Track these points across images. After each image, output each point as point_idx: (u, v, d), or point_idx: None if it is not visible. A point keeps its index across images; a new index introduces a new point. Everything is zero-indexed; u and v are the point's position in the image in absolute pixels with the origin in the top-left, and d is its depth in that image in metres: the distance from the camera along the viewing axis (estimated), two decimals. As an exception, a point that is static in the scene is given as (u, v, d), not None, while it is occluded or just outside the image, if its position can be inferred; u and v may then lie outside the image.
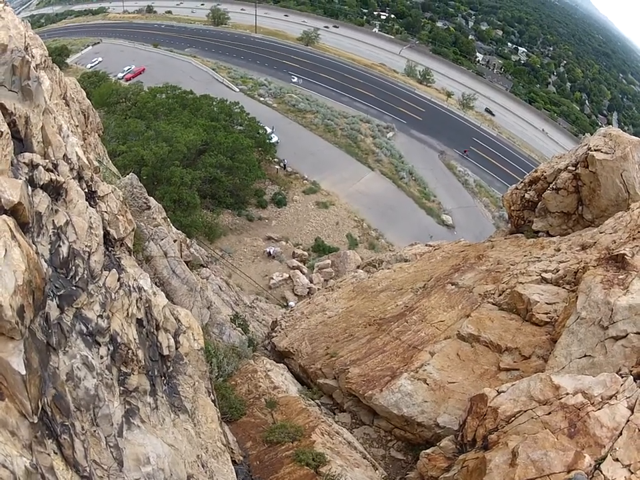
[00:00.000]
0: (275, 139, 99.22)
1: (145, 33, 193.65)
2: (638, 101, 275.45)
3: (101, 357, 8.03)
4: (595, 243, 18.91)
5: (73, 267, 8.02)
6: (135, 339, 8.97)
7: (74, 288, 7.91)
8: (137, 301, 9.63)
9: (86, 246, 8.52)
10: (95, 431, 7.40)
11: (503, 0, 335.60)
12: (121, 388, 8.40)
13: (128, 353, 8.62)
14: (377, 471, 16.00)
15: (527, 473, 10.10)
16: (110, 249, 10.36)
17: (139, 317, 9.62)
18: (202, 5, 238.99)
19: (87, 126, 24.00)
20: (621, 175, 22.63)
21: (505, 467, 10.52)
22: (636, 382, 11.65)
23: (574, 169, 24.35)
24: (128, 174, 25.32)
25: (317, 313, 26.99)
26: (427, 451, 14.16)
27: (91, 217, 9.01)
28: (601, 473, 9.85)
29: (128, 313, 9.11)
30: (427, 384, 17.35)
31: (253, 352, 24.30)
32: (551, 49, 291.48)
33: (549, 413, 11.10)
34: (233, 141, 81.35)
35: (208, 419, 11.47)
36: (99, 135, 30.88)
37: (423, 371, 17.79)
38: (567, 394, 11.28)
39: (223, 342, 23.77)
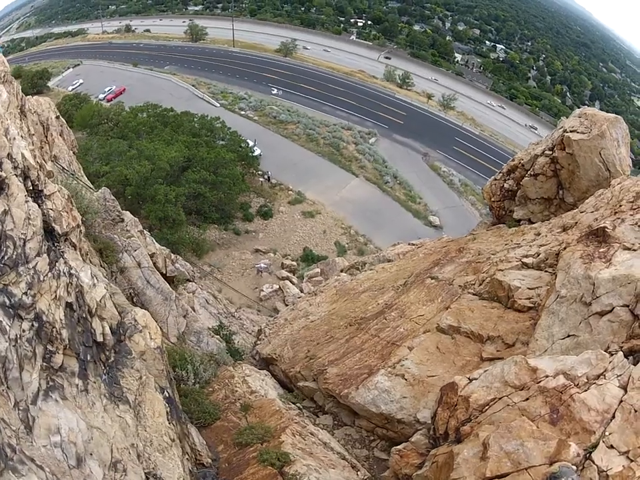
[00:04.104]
0: (257, 151, 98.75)
1: (125, 52, 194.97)
2: (620, 88, 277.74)
3: (23, 330, 8.50)
4: (576, 223, 18.20)
5: (4, 248, 8.83)
6: (60, 319, 9.43)
7: (1, 265, 8.72)
8: (67, 285, 10.14)
9: (22, 233, 9.33)
10: (3, 390, 7.78)
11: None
12: (44, 364, 8.81)
13: (52, 332, 9.10)
14: (358, 472, 15.45)
15: (501, 467, 9.02)
16: (55, 243, 11.04)
17: (69, 301, 10.05)
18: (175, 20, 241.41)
19: (45, 136, 24.28)
20: (600, 154, 22.14)
21: (475, 461, 9.51)
22: (628, 358, 10.61)
23: (551, 152, 23.86)
24: (112, 193, 25.92)
25: (300, 319, 26.52)
26: (399, 447, 13.26)
27: (29, 210, 9.80)
28: (593, 463, 8.62)
29: (56, 295, 9.63)
30: (405, 379, 16.68)
31: (236, 360, 24.01)
32: (529, 43, 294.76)
33: (527, 399, 10.11)
34: (215, 155, 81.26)
35: (155, 413, 11.82)
36: (73, 153, 31.34)
37: (400, 366, 17.13)
38: (547, 376, 10.26)
39: (200, 349, 23.78)
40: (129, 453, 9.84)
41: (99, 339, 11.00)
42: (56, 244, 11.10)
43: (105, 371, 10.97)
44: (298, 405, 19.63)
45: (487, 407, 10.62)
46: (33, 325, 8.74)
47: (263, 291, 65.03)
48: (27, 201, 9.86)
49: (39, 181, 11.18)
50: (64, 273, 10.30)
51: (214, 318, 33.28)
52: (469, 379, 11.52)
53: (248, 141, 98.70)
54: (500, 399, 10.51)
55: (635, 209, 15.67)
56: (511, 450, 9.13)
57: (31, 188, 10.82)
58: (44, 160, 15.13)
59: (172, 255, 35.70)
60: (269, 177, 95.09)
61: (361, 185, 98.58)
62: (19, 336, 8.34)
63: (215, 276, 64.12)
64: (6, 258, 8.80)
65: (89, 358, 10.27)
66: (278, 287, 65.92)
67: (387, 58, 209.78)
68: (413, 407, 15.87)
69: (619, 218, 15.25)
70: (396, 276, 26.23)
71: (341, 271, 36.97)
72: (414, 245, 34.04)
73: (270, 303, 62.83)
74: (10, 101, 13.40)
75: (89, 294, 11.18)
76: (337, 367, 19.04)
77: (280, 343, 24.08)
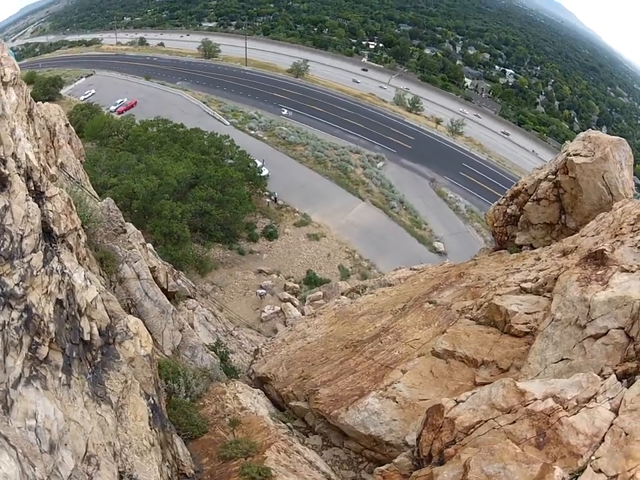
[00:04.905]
0: (265, 172, 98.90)
1: (137, 65, 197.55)
2: (627, 113, 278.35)
3: (12, 319, 8.89)
4: (577, 247, 17.88)
5: (1, 240, 9.30)
6: (49, 314, 9.85)
7: (-4, 255, 9.33)
8: (58, 282, 10.63)
9: (20, 229, 9.82)
10: None
11: (489, 23, 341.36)
12: (30, 354, 9.18)
13: (40, 324, 9.50)
14: (342, 493, 15.28)
15: (480, 491, 8.67)
16: (52, 244, 11.68)
17: (59, 298, 10.53)
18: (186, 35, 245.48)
19: (52, 141, 25.15)
20: (603, 177, 21.83)
21: None
22: (621, 382, 10.16)
23: (554, 177, 23.55)
24: (118, 205, 26.33)
25: (297, 340, 26.39)
26: (382, 467, 12.91)
27: (29, 208, 10.29)
28: (579, 487, 8.25)
29: (47, 291, 10.08)
30: (396, 402, 16.40)
31: (231, 378, 24.04)
32: (538, 68, 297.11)
33: (514, 422, 9.78)
34: (222, 174, 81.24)
35: (137, 417, 12.28)
36: (81, 162, 31.88)
37: (392, 389, 16.86)
38: (535, 399, 9.94)
39: (194, 364, 23.78)
40: (105, 450, 10.15)
41: (86, 337, 11.38)
42: (53, 244, 11.70)
43: (90, 370, 11.36)
44: (289, 424, 19.42)
45: (472, 430, 10.29)
46: (22, 316, 9.12)
47: (264, 312, 64.96)
48: (27, 200, 10.35)
49: (41, 182, 11.81)
50: (57, 271, 10.75)
51: (212, 335, 33.35)
52: (455, 401, 11.21)
53: (256, 160, 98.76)
54: (486, 421, 10.20)
55: (636, 230, 15.39)
56: (492, 473, 8.77)
57: (33, 188, 11.40)
58: (48, 164, 15.55)
59: (174, 270, 35.88)
60: (275, 198, 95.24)
61: (367, 209, 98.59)
62: (7, 323, 8.71)
63: (216, 295, 63.97)
64: (2, 250, 9.24)
65: (74, 355, 10.67)
66: (279, 308, 65.84)
67: (364, 70, 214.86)
68: (402, 429, 15.57)
69: (618, 240, 14.96)
70: (395, 300, 25.98)
71: (342, 294, 36.83)
72: (415, 269, 33.82)
73: (271, 324, 62.66)
74: (19, 104, 13.75)
75: (80, 294, 11.55)
76: (329, 387, 18.84)
77: (275, 363, 23.94)
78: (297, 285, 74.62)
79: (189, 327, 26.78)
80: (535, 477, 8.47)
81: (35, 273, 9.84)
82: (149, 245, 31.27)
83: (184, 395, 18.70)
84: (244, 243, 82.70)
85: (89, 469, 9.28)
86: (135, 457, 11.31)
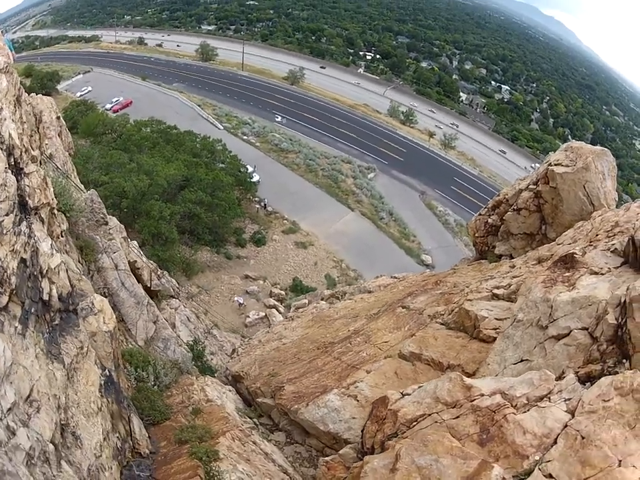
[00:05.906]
0: (256, 177, 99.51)
1: (135, 64, 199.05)
2: (621, 132, 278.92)
3: None
4: (552, 255, 17.71)
5: None
6: (13, 268, 10.54)
7: (-33, 214, 10.18)
8: (24, 244, 11.31)
9: None
10: None
11: (487, 38, 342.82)
12: None
13: (3, 276, 10.08)
14: (296, 489, 15.22)
15: (409, 481, 8.29)
16: (27, 216, 12.38)
17: (24, 257, 11.19)
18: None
19: (37, 127, 26.23)
20: (584, 187, 21.74)
21: (384, 472, 8.89)
22: (584, 384, 9.65)
23: (535, 187, 23.49)
24: (108, 203, 26.80)
25: (273, 341, 26.51)
26: (326, 458, 12.79)
27: (6, 179, 10.93)
28: (525, 491, 7.79)
29: (14, 249, 10.77)
30: (357, 400, 16.17)
31: (206, 374, 24.08)
32: (534, 85, 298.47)
33: (457, 417, 9.46)
34: (213, 177, 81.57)
35: (89, 381, 12.84)
36: (69, 154, 32.81)
37: (354, 388, 16.64)
38: (482, 395, 9.69)
39: (166, 356, 24.10)
40: (49, 399, 10.56)
41: (45, 297, 11.93)
42: (27, 216, 12.33)
43: (47, 330, 11.89)
44: (254, 420, 19.42)
45: (414, 423, 10.08)
46: None
47: (248, 317, 65.09)
48: (5, 172, 10.96)
49: (21, 160, 12.53)
50: (24, 234, 11.34)
51: (193, 335, 33.32)
52: (402, 393, 11.01)
53: (247, 166, 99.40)
54: (429, 415, 9.97)
55: (611, 236, 15.29)
56: (423, 464, 8.48)
57: (13, 164, 12.02)
58: (31, 147, 16.09)
59: (159, 270, 35.95)
60: (265, 205, 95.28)
61: (356, 219, 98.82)
62: (-28, 268, 9.60)
63: (201, 299, 63.93)
64: None
65: (32, 311, 11.19)
66: (264, 314, 65.79)
67: (322, 67, 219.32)
68: (361, 428, 15.44)
69: (591, 245, 14.89)
70: (372, 306, 25.99)
71: (321, 299, 36.86)
72: (396, 277, 33.82)
73: (255, 329, 62.25)
74: (8, 89, 14.17)
75: (43, 258, 12.27)
76: (294, 384, 18.72)
77: (249, 362, 23.88)
78: (283, 292, 74.71)
79: (163, 319, 27.07)
80: (470, 474, 8.16)
81: (4, 232, 10.47)
82: (134, 243, 31.81)
83: (152, 383, 18.92)
84: (232, 248, 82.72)
85: (30, 410, 9.75)
86: (81, 416, 11.89)
